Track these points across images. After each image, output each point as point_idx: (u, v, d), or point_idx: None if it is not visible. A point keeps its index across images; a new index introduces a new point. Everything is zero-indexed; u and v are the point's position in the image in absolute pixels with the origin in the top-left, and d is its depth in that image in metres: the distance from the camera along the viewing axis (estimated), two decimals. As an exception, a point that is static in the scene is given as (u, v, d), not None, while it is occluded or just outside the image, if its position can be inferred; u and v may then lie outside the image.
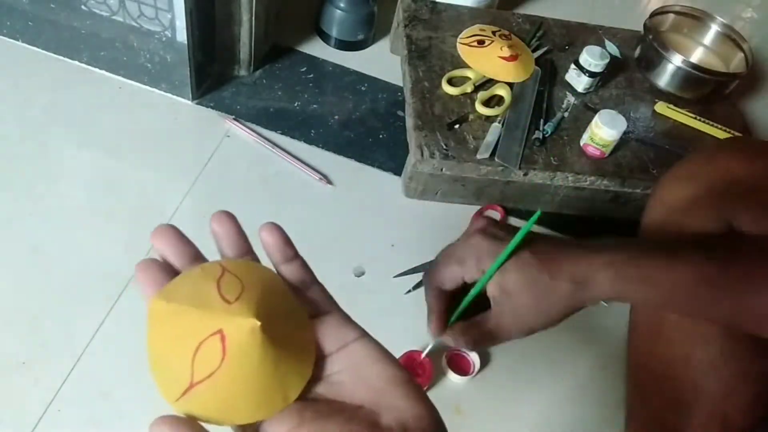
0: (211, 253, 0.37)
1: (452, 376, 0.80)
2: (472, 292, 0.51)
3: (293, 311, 0.35)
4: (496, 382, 0.83)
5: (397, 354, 0.66)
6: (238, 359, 0.31)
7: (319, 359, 0.35)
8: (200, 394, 0.31)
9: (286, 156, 1.01)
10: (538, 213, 0.48)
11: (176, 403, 0.31)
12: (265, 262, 0.37)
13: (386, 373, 0.35)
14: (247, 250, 0.36)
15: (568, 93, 1.07)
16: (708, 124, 1.07)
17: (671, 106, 1.08)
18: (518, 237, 0.48)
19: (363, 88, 1.14)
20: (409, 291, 0.89)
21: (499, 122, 0.98)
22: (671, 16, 1.21)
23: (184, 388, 0.31)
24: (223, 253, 0.36)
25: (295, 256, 0.37)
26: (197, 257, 0.35)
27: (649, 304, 0.52)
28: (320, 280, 0.38)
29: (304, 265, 0.37)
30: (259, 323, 0.31)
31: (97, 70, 1.05)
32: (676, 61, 1.08)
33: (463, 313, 0.53)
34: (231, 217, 0.36)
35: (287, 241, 0.36)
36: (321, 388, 0.35)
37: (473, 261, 0.49)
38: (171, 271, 0.35)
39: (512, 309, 0.50)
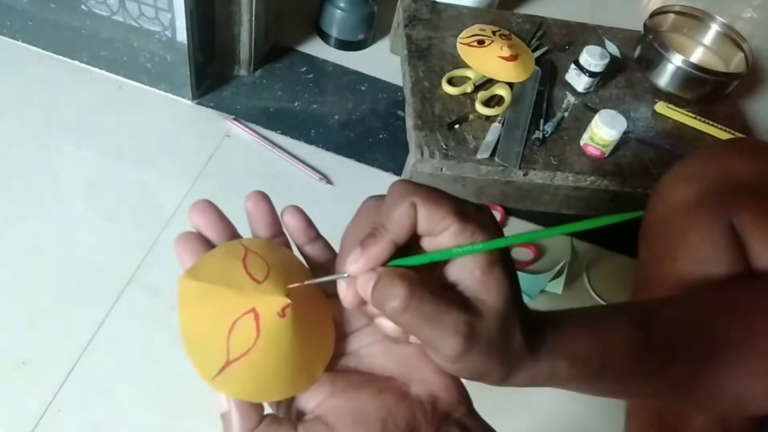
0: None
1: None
2: (443, 253, 0.32)
3: (311, 292, 0.36)
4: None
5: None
6: (272, 337, 0.32)
7: (345, 335, 0.36)
8: (236, 372, 0.32)
9: (286, 156, 1.01)
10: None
11: (213, 381, 0.32)
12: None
13: (414, 347, 0.35)
14: (278, 232, 0.37)
15: (568, 93, 1.07)
16: (708, 124, 1.07)
17: (671, 106, 1.08)
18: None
19: (363, 88, 1.14)
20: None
21: (499, 122, 0.98)
22: (671, 16, 1.21)
23: (221, 366, 0.32)
24: (255, 233, 0.37)
25: (317, 236, 0.38)
26: (234, 236, 0.36)
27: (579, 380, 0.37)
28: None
29: (327, 245, 0.38)
30: (290, 302, 0.32)
31: (97, 70, 1.05)
32: (676, 61, 1.08)
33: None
34: (266, 199, 0.36)
35: (309, 223, 0.37)
36: (352, 361, 0.36)
37: (451, 212, 0.31)
38: (209, 246, 0.35)
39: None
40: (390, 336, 0.34)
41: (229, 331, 0.31)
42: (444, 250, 0.32)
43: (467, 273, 0.32)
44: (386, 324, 0.33)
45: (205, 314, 0.32)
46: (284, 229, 0.37)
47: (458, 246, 0.31)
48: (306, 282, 0.33)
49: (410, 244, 0.32)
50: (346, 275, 0.32)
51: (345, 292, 0.33)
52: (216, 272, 0.33)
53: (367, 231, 0.32)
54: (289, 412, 0.34)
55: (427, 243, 0.32)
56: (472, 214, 0.32)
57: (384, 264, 0.32)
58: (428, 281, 0.32)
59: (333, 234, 0.39)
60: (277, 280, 0.33)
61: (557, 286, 0.94)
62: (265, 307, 0.32)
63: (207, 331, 0.32)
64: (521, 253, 0.99)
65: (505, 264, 0.32)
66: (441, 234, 0.31)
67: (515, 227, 1.02)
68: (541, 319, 0.36)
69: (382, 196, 0.34)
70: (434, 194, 0.32)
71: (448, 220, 0.31)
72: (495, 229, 0.32)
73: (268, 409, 0.34)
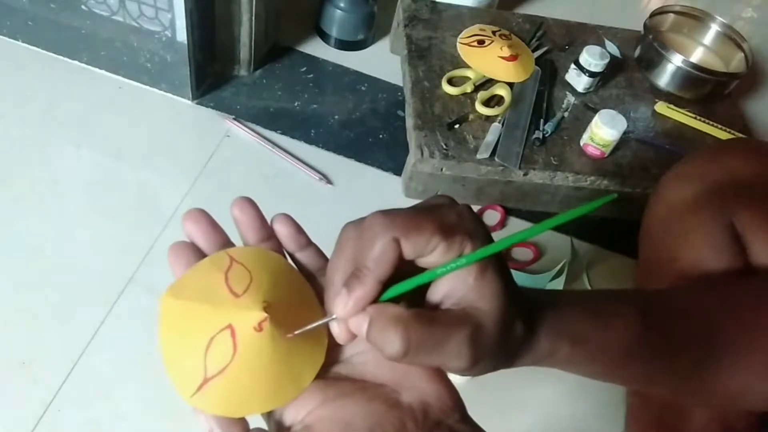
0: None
1: (452, 376, 0.80)
2: (430, 274, 0.32)
3: (303, 297, 0.35)
4: (496, 382, 0.83)
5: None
6: (249, 352, 0.31)
7: (338, 342, 0.36)
8: (214, 389, 0.31)
9: (286, 156, 1.01)
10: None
11: (191, 399, 0.32)
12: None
13: None
14: (268, 236, 0.37)
15: (568, 93, 1.07)
16: (708, 124, 1.07)
17: (671, 106, 1.08)
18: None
19: (363, 88, 1.14)
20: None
21: (499, 122, 0.98)
22: (671, 16, 1.21)
23: (198, 384, 0.31)
24: (244, 239, 0.37)
25: (308, 243, 0.38)
26: (227, 245, 0.36)
27: (576, 364, 0.38)
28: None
29: (319, 252, 0.38)
30: (266, 315, 0.31)
31: (97, 70, 1.05)
32: (676, 61, 1.08)
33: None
34: (252, 204, 0.36)
35: (299, 230, 0.37)
36: (343, 368, 0.36)
37: (434, 232, 0.31)
38: (201, 255, 0.35)
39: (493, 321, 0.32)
40: None
41: (206, 349, 0.31)
42: (430, 271, 0.32)
43: (460, 283, 0.32)
44: None
45: (183, 333, 0.32)
46: (277, 237, 0.37)
47: (447, 262, 0.31)
48: (297, 331, 0.33)
49: (399, 264, 0.32)
50: (335, 317, 0.32)
51: (338, 332, 0.33)
52: (196, 288, 0.33)
53: (351, 265, 0.32)
54: (280, 421, 0.34)
55: (417, 261, 0.32)
56: (455, 224, 0.31)
57: (374, 300, 0.32)
58: (421, 312, 0.32)
59: (333, 234, 0.39)
60: (257, 292, 0.32)
61: (557, 286, 0.94)
62: (241, 322, 0.31)
63: (184, 349, 0.32)
64: (521, 253, 0.99)
65: (496, 265, 0.32)
66: (430, 254, 0.31)
67: (515, 227, 1.02)
68: (540, 298, 0.36)
69: (361, 223, 0.33)
70: (413, 221, 0.31)
71: (433, 241, 0.31)
72: (481, 233, 0.32)
73: (259, 420, 0.34)
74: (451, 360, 0.31)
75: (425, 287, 0.33)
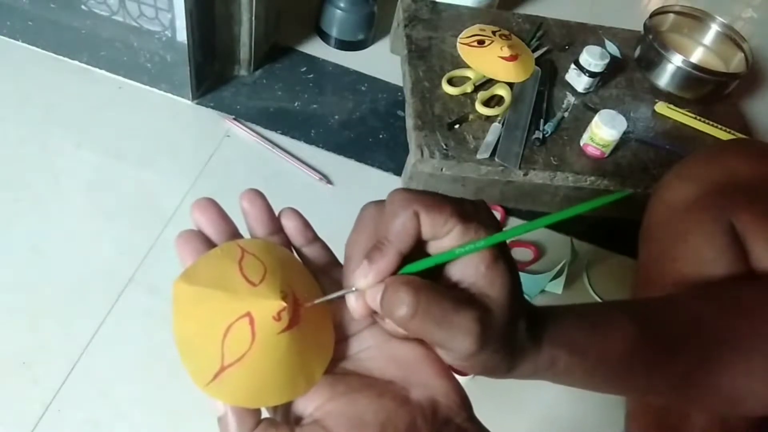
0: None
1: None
2: (447, 254, 0.32)
3: (311, 292, 0.35)
4: (496, 382, 0.83)
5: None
6: (267, 341, 0.31)
7: (345, 338, 0.36)
8: (231, 378, 0.31)
9: (286, 156, 1.01)
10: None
11: (207, 387, 0.31)
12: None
13: (415, 351, 0.35)
14: (276, 229, 0.37)
15: (568, 93, 1.07)
16: (708, 124, 1.07)
17: (671, 106, 1.08)
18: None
19: (363, 88, 1.14)
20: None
21: (499, 122, 0.98)
22: (671, 16, 1.21)
23: (215, 372, 0.31)
24: (252, 232, 0.37)
25: (315, 238, 0.38)
26: (235, 235, 0.36)
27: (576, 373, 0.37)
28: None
29: (325, 247, 0.38)
30: (285, 305, 0.31)
31: (97, 70, 1.05)
32: (676, 61, 1.08)
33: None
34: (261, 196, 0.36)
35: (306, 224, 0.37)
36: (351, 364, 0.35)
37: (452, 214, 0.31)
38: (209, 245, 0.35)
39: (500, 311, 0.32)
40: (399, 335, 0.34)
41: (223, 336, 0.31)
42: (447, 251, 0.32)
43: (472, 270, 0.32)
44: (395, 326, 0.33)
45: (199, 319, 0.32)
46: (284, 231, 0.37)
47: (461, 245, 0.32)
48: (316, 300, 0.33)
49: (413, 248, 0.32)
50: (354, 290, 0.32)
51: (355, 305, 0.33)
52: (211, 275, 0.32)
53: (371, 241, 0.33)
54: (288, 415, 0.34)
55: (431, 246, 0.33)
56: (472, 213, 0.32)
57: (392, 274, 0.32)
58: (434, 284, 0.32)
59: (333, 234, 0.39)
60: (274, 282, 0.32)
61: (557, 286, 0.94)
62: (260, 310, 0.31)
63: (201, 336, 0.31)
64: (521, 254, 0.99)
65: (506, 258, 0.33)
66: (445, 237, 0.32)
67: (515, 227, 1.02)
68: (542, 310, 0.36)
69: (380, 202, 0.34)
70: (434, 200, 0.32)
71: (450, 223, 0.31)
72: (495, 225, 0.33)
73: (265, 413, 0.34)
74: (459, 336, 0.31)
75: (437, 276, 0.33)
